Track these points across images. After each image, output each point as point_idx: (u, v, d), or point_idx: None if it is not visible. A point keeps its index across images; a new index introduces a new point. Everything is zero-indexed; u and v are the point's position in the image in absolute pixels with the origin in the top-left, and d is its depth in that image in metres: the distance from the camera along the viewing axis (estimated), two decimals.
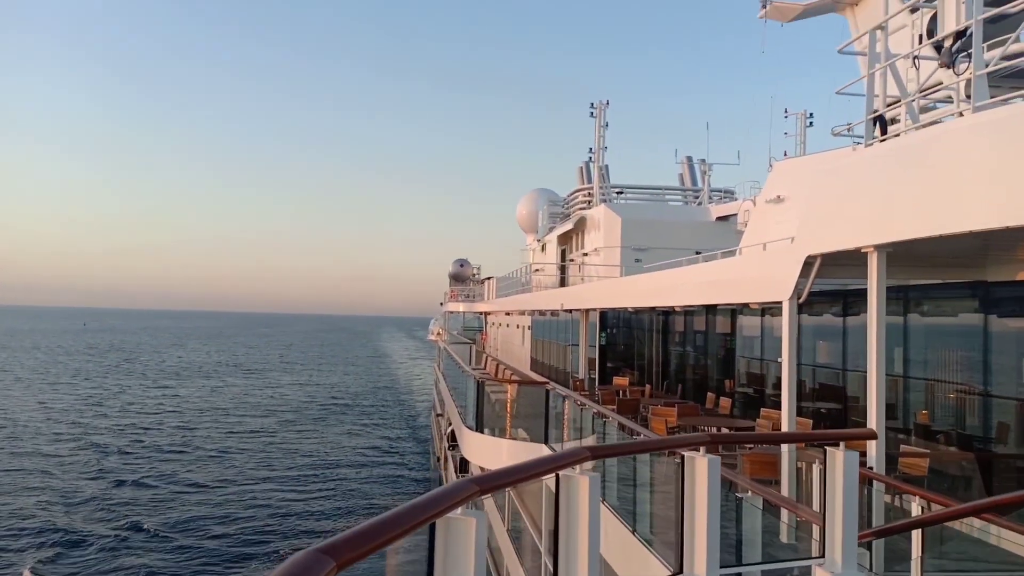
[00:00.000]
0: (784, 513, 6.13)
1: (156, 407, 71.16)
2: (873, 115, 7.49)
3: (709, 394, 16.95)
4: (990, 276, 9.28)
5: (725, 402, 15.81)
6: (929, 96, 7.51)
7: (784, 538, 5.88)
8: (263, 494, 41.03)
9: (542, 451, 14.61)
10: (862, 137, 7.92)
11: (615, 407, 14.70)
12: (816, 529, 4.91)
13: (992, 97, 6.84)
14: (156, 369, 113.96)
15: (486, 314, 47.68)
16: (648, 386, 19.41)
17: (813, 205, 8.51)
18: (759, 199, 18.74)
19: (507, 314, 36.99)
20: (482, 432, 16.07)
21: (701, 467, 4.01)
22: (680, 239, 26.06)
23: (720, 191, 33.19)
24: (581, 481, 3.36)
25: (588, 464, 3.44)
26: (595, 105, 33.18)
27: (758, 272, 9.90)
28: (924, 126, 6.91)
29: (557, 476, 3.36)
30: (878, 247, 7.48)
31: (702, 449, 4.03)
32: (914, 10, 9.40)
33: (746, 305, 13.67)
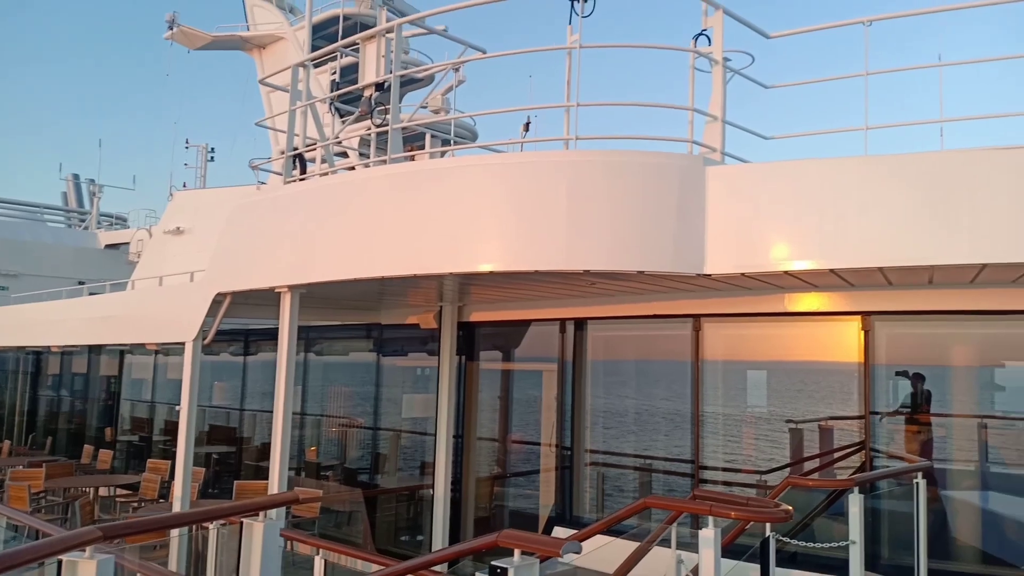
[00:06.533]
0: None
1: None
2: (293, 153, 7.29)
3: (86, 447, 14.69)
4: (383, 319, 9.97)
5: (105, 455, 13.85)
6: (346, 142, 7.66)
7: None
8: None
9: None
10: (280, 173, 7.67)
11: None
12: None
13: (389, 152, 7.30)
14: None
15: None
16: (7, 442, 15.99)
17: (226, 241, 7.90)
18: (157, 229, 17.38)
19: None
20: None
21: (87, 572, 2.95)
22: (61, 266, 23.04)
23: (111, 216, 30.24)
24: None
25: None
26: None
27: (161, 309, 8.82)
28: (349, 168, 6.95)
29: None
30: (292, 287, 7.25)
31: (89, 550, 2.98)
32: (317, 64, 9.71)
33: (142, 345, 12.24)
